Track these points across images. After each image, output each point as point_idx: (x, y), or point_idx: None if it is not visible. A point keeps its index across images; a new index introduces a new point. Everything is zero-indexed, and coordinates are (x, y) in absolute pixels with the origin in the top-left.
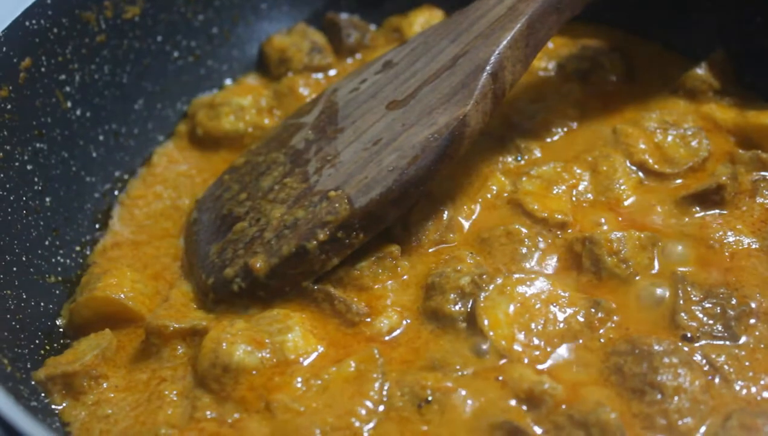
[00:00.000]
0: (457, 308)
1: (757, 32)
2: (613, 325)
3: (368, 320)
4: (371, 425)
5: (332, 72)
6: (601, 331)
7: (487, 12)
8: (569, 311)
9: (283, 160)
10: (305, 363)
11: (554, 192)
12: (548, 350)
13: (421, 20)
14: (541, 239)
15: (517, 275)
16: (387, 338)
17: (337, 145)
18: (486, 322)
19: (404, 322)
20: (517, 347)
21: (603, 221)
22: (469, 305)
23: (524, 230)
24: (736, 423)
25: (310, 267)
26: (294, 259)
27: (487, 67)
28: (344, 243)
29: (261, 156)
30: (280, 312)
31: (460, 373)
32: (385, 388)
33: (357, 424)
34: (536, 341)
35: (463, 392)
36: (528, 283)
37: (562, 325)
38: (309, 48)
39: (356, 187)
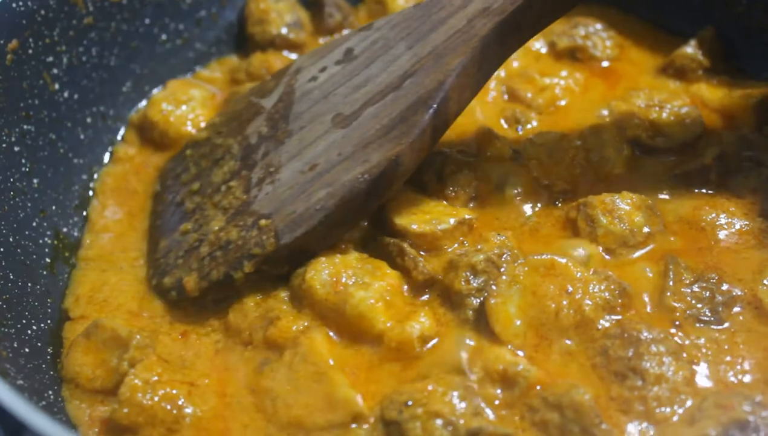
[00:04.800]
0: (466, 285)
1: (745, 11)
2: (634, 311)
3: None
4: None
5: (306, 51)
6: (619, 317)
7: (448, 17)
8: (587, 298)
9: (236, 151)
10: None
11: (553, 159)
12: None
13: None
14: (542, 208)
15: (532, 257)
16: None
17: (281, 156)
18: (496, 325)
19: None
20: (529, 342)
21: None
22: (482, 284)
23: (526, 200)
24: (712, 404)
25: (238, 290)
26: (222, 284)
27: (430, 102)
28: (269, 273)
29: (220, 137)
30: (387, 274)
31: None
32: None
33: None
34: (549, 335)
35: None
36: (542, 269)
37: (574, 314)
38: (290, 21)
39: (284, 220)
